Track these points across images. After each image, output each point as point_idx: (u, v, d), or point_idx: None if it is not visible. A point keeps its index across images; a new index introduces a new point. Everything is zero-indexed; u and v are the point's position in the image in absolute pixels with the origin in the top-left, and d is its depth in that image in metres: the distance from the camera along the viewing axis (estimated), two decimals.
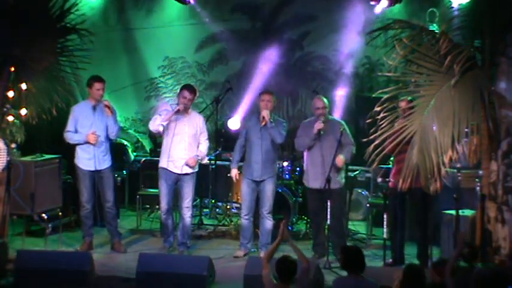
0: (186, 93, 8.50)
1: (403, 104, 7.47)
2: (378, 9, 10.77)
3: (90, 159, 8.60)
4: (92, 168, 8.62)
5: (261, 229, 8.67)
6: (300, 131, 8.72)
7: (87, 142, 8.56)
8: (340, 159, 8.37)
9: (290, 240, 6.30)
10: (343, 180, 8.69)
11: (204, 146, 8.67)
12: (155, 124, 8.51)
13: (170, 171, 8.52)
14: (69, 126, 8.65)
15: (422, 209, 8.15)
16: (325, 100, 8.62)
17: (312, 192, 8.62)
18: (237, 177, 8.87)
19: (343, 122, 8.70)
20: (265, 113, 8.46)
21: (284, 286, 5.81)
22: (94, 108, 8.63)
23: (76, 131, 8.63)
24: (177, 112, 8.44)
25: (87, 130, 8.56)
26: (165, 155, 8.53)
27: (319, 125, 8.39)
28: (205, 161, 8.98)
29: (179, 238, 8.63)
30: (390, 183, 8.17)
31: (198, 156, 8.58)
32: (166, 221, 8.63)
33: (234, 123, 10.76)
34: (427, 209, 8.13)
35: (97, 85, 8.58)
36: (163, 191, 8.58)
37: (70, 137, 8.65)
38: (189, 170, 8.53)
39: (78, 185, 8.75)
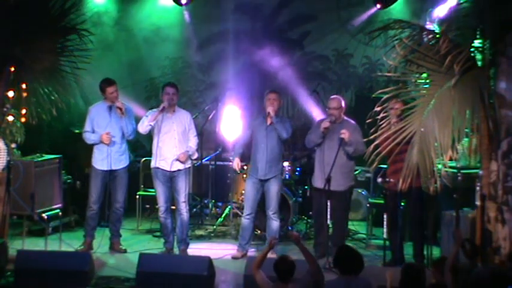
0: (169, 89, 8.56)
1: (398, 106, 7.49)
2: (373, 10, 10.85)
3: (104, 158, 8.66)
4: (106, 168, 8.67)
5: (268, 230, 8.68)
6: (313, 127, 8.72)
7: (102, 142, 8.61)
8: (345, 132, 8.25)
9: (300, 243, 6.27)
10: (352, 183, 8.64)
11: (193, 142, 8.70)
12: (144, 126, 8.56)
13: (162, 169, 8.55)
14: (87, 126, 8.75)
15: (421, 208, 8.16)
16: (339, 100, 8.54)
17: (316, 192, 8.60)
18: (239, 167, 8.81)
19: (356, 124, 8.51)
20: (270, 109, 8.48)
21: (282, 286, 5.82)
22: (110, 108, 8.69)
23: (93, 131, 8.69)
24: (163, 110, 8.47)
25: (103, 130, 8.65)
26: (156, 155, 8.58)
27: (325, 124, 8.37)
28: (196, 156, 8.99)
29: (178, 235, 8.65)
30: (390, 183, 8.15)
31: (188, 151, 8.60)
32: (166, 220, 8.65)
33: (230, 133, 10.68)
34: (427, 208, 8.13)
35: (109, 89, 8.65)
36: (159, 191, 8.62)
37: (87, 137, 8.74)
38: (181, 166, 8.57)
39: (90, 184, 8.80)
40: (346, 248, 6.24)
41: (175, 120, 8.59)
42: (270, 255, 8.39)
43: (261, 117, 8.71)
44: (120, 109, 8.62)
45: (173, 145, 8.56)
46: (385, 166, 8.38)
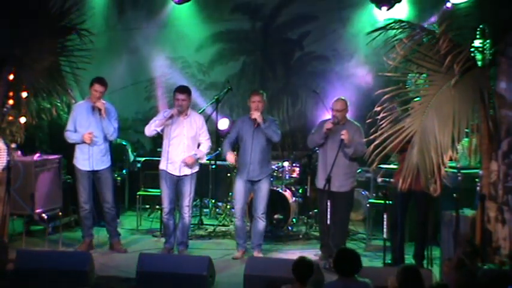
0: (179, 95, 8.48)
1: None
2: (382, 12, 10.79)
3: (87, 159, 8.61)
4: (88, 168, 8.64)
5: (253, 230, 8.65)
6: (315, 128, 8.69)
7: (84, 142, 8.57)
8: (345, 133, 8.21)
9: None
10: (354, 184, 8.61)
11: (205, 145, 8.65)
12: (150, 130, 8.53)
13: (170, 173, 8.52)
14: (69, 125, 8.67)
15: (424, 210, 8.14)
16: (344, 102, 8.47)
17: (320, 193, 8.56)
18: (235, 159, 8.64)
19: (358, 126, 8.47)
20: (256, 115, 8.42)
21: (300, 286, 5.82)
22: (93, 108, 8.63)
23: (76, 130, 8.64)
24: (171, 117, 8.41)
25: (85, 130, 8.58)
26: (165, 157, 8.53)
27: (328, 125, 8.33)
28: (204, 160, 8.96)
29: (178, 237, 8.64)
30: (393, 182, 8.12)
31: (196, 155, 8.56)
32: (168, 221, 8.63)
33: (223, 123, 10.77)
34: (427, 209, 8.12)
35: (96, 86, 8.56)
36: (164, 192, 8.59)
37: (69, 136, 8.67)
38: (188, 171, 8.53)
39: (77, 185, 8.77)
40: (344, 250, 6.21)
41: (186, 125, 8.53)
42: (257, 254, 8.43)
43: (247, 119, 8.65)
44: (100, 110, 8.58)
45: (182, 150, 8.50)
46: (384, 166, 8.38)
